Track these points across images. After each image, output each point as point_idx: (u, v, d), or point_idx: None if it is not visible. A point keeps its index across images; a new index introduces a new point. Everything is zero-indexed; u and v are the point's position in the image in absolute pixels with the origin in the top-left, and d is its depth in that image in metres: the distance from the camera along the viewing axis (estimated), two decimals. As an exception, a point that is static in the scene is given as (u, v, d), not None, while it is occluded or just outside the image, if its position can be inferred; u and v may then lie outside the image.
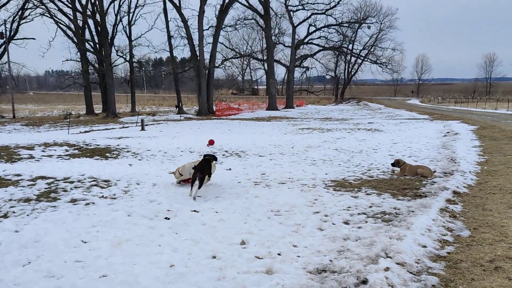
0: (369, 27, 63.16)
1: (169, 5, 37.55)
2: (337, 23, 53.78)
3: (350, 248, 4.73)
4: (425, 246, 4.64)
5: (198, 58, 36.35)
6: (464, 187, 7.52)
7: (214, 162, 8.06)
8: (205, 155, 8.01)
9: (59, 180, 8.25)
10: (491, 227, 5.27)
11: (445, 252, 4.53)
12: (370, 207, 6.47)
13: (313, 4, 48.97)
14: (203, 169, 7.30)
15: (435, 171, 8.99)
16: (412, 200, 6.80)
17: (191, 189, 7.15)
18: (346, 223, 5.71)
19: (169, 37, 39.05)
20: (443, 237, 4.97)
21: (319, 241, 4.99)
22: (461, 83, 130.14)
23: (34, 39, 38.74)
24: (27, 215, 5.97)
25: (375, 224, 5.56)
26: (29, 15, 36.94)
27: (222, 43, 46.20)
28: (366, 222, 5.70)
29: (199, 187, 7.12)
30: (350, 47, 70.04)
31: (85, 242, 4.94)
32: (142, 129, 21.08)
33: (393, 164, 9.36)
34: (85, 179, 8.46)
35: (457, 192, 7.12)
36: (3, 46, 36.34)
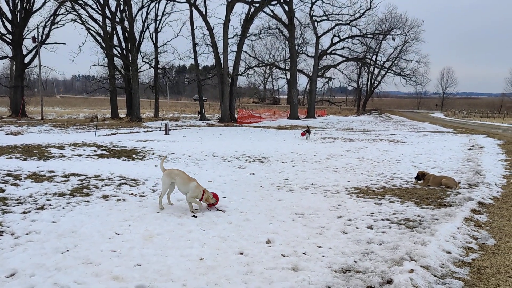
0: (393, 39, 62.45)
1: (195, 13, 38.32)
2: (362, 34, 53.49)
3: (374, 251, 4.82)
4: (449, 252, 4.69)
5: (222, 65, 36.85)
6: (489, 198, 7.48)
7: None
8: None
9: (90, 178, 8.61)
10: (517, 237, 5.26)
11: (469, 258, 4.57)
12: (394, 214, 6.53)
13: (338, 15, 48.94)
14: None
15: (459, 182, 8.95)
16: (436, 209, 6.82)
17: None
18: (370, 227, 5.79)
19: (194, 44, 39.71)
20: (468, 244, 5.01)
21: (344, 243, 5.10)
22: (487, 97, 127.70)
23: (64, 43, 40.15)
24: (63, 208, 6.28)
25: (399, 230, 5.62)
26: (60, 20, 38.35)
27: (245, 52, 46.68)
28: (390, 227, 5.78)
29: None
30: (373, 58, 69.67)
31: (118, 234, 5.19)
32: (166, 133, 21.51)
33: (416, 178, 9.31)
34: (114, 177, 8.79)
35: (482, 203, 7.10)
36: (35, 50, 37.74)
